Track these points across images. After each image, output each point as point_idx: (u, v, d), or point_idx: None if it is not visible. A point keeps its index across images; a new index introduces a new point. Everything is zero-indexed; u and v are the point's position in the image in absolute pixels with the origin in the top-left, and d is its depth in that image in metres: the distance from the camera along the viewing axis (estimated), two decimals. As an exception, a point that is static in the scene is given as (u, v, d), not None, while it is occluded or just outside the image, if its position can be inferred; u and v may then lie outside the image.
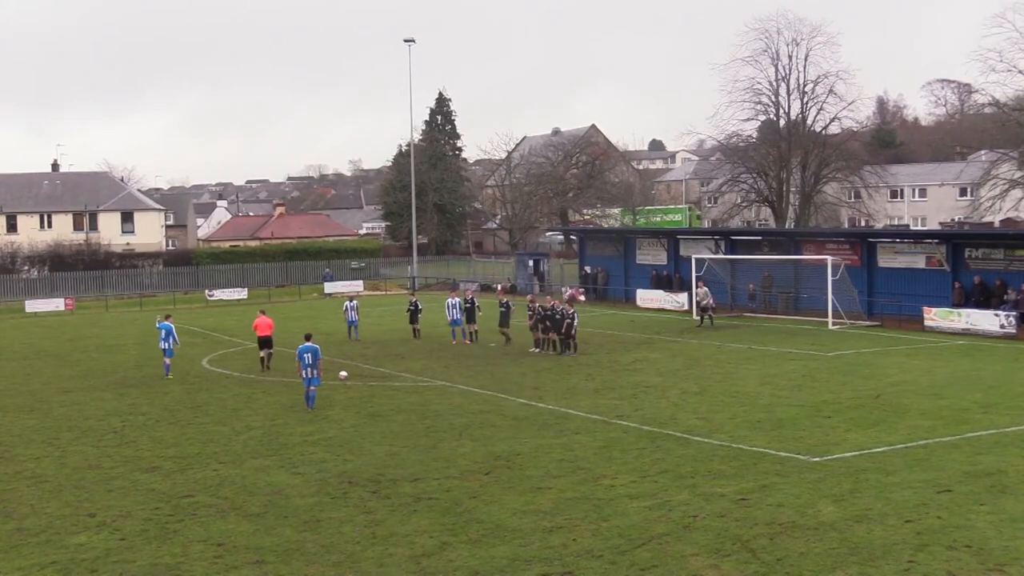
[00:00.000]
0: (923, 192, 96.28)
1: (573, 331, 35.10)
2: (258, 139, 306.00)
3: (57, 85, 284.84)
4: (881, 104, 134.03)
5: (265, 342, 33.32)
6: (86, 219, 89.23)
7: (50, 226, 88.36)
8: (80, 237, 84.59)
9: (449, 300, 40.61)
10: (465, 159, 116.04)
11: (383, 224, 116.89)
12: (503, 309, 38.71)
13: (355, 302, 43.62)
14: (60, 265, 76.54)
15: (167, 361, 32.51)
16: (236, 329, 46.68)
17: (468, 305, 39.44)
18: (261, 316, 34.31)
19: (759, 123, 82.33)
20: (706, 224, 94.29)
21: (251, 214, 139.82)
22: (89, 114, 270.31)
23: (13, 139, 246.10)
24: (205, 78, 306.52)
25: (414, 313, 42.16)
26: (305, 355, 25.29)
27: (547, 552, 14.07)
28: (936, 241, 43.71)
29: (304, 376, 25.42)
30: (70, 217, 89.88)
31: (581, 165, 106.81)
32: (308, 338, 26.18)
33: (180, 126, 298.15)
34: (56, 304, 64.14)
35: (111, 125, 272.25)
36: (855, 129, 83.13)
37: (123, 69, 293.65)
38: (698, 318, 43.84)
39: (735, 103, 79.84)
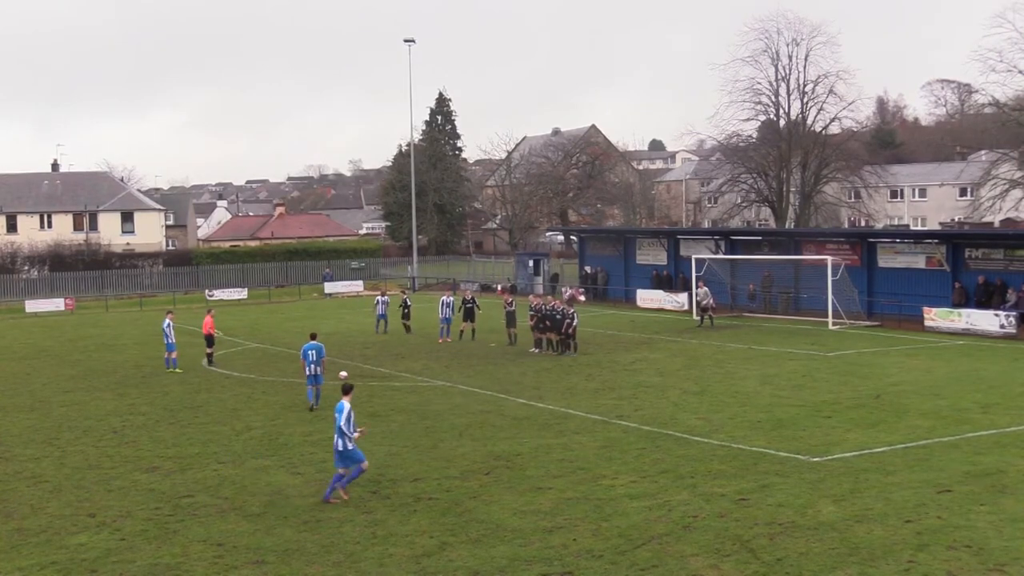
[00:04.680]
0: (923, 192, 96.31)
1: (572, 331, 35.11)
2: (259, 139, 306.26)
3: (66, 85, 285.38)
4: (881, 104, 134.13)
5: (209, 340, 34.91)
6: (86, 219, 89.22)
7: (50, 226, 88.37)
8: (80, 237, 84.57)
9: (444, 298, 41.57)
10: (465, 159, 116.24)
11: (383, 224, 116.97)
12: (509, 309, 38.80)
13: (387, 298, 45.75)
14: (60, 265, 76.52)
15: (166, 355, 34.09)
16: (236, 329, 46.71)
17: (469, 305, 40.07)
18: (208, 316, 35.80)
19: (759, 123, 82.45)
20: (706, 224, 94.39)
21: (251, 214, 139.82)
22: (93, 114, 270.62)
23: (25, 137, 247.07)
24: (207, 79, 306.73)
25: (404, 310, 44.12)
26: (309, 352, 25.65)
27: (547, 552, 14.07)
28: (936, 241, 43.71)
29: (308, 373, 25.62)
30: (70, 217, 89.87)
31: (581, 165, 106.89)
32: (313, 337, 26.59)
33: (185, 127, 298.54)
34: (56, 304, 64.10)
35: (114, 125, 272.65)
36: (855, 129, 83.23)
37: (126, 70, 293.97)
38: (698, 318, 43.84)
39: (735, 103, 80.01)
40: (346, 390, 17.61)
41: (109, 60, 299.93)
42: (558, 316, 35.35)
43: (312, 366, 25.55)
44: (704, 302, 43.29)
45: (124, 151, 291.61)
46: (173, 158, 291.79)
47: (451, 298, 41.63)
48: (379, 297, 46.06)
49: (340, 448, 17.05)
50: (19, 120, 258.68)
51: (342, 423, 16.92)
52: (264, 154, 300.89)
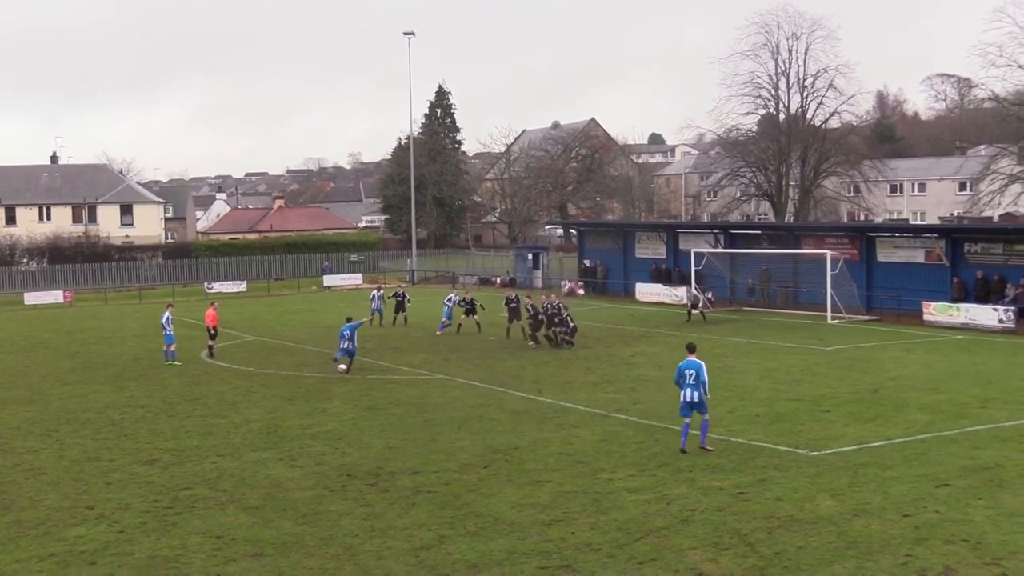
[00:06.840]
0: (922, 187, 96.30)
1: (570, 325, 35.11)
2: (259, 133, 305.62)
3: (69, 79, 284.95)
4: (881, 98, 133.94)
5: (212, 332, 35.55)
6: (85, 211, 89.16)
7: (49, 218, 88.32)
8: (79, 229, 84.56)
9: (450, 296, 42.33)
10: (464, 152, 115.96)
11: (382, 217, 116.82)
12: (512, 305, 38.76)
13: (381, 291, 46.40)
14: (59, 257, 76.49)
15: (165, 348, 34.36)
16: (234, 322, 46.69)
17: (468, 306, 40.51)
18: (211, 309, 36.34)
19: (759, 117, 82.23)
20: (705, 218, 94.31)
21: (250, 207, 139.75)
22: (94, 108, 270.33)
23: (30, 131, 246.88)
24: (207, 74, 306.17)
25: (400, 303, 44.34)
26: (344, 331, 30.27)
27: (545, 545, 14.08)
28: (935, 236, 43.72)
29: (342, 347, 30.19)
30: (69, 209, 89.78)
31: (580, 159, 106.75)
32: (349, 320, 31.14)
33: (185, 120, 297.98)
34: (55, 296, 64.11)
35: (114, 119, 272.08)
36: (855, 123, 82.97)
37: (126, 65, 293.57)
38: (687, 313, 43.77)
39: (735, 97, 79.67)
40: (692, 348, 19.44)
41: (111, 55, 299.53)
42: (553, 311, 35.48)
43: (346, 342, 29.92)
44: (694, 302, 43.32)
45: (124, 144, 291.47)
46: (172, 151, 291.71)
47: (456, 296, 42.10)
48: (375, 292, 46.25)
49: (696, 399, 18.83)
50: (24, 113, 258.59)
51: (705, 376, 18.84)
52: (263, 147, 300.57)
